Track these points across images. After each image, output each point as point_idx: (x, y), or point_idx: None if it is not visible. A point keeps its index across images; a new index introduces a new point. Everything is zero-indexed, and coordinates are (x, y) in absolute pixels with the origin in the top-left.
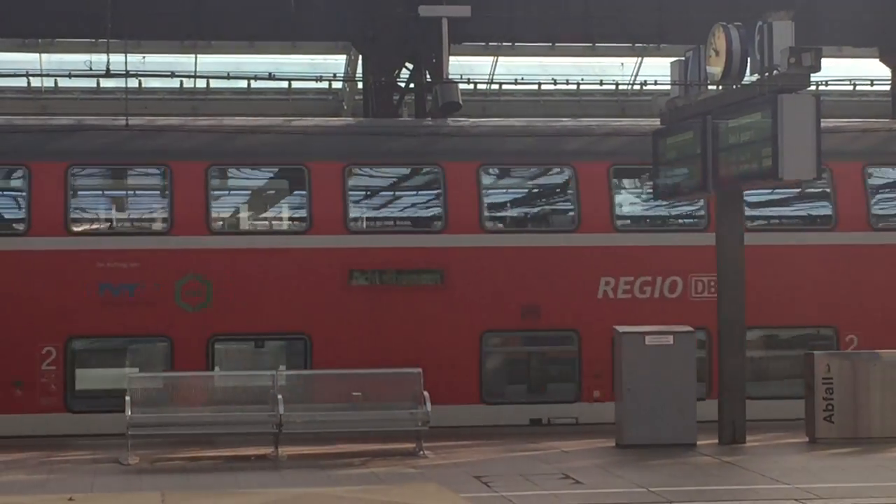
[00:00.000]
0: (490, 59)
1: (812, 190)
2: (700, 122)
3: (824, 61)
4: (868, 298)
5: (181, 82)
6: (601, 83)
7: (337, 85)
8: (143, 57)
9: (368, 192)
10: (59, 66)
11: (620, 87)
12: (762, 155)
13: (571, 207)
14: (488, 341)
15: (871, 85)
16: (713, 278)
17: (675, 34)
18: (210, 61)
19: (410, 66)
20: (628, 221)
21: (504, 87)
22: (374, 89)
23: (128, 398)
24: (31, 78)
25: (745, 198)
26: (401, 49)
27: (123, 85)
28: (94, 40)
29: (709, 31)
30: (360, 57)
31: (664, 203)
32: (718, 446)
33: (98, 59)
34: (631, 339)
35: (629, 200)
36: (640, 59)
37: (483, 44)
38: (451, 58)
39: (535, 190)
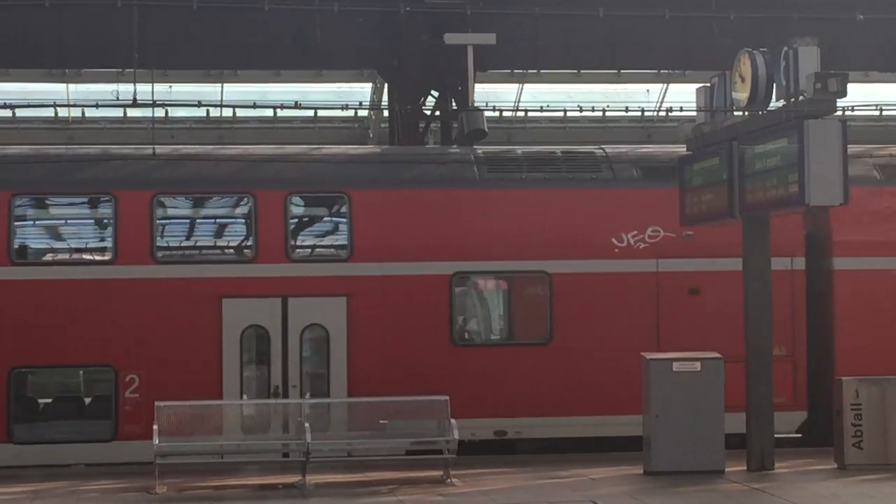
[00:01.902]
0: (515, 86)
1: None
2: (726, 148)
3: (850, 86)
4: (151, 336)
5: (207, 111)
6: (627, 110)
7: (363, 113)
8: (170, 86)
9: None
10: (86, 96)
11: (646, 113)
12: (789, 180)
13: None
14: None
15: None
16: None
17: (700, 60)
18: (236, 90)
19: (436, 93)
20: None
21: (529, 114)
22: (400, 117)
23: (155, 427)
24: (58, 108)
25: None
26: (426, 77)
27: (150, 114)
28: (120, 70)
29: (734, 57)
30: (386, 85)
31: None
32: (747, 473)
33: (125, 89)
34: (658, 366)
35: None
36: (665, 85)
37: (508, 71)
38: (477, 85)
39: None
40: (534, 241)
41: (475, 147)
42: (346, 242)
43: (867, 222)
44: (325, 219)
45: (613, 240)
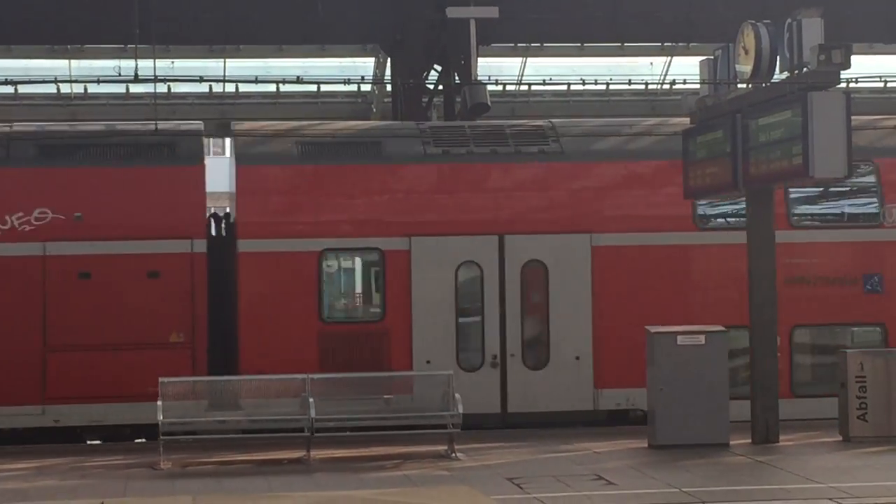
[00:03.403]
0: (518, 60)
1: None
2: (730, 121)
3: (854, 58)
4: None
5: (210, 87)
6: (630, 83)
7: (366, 88)
8: (172, 62)
9: None
10: (88, 72)
11: (650, 86)
12: (792, 153)
13: None
14: None
15: None
16: None
17: (704, 33)
18: (239, 66)
19: (439, 67)
20: None
21: (533, 88)
22: (403, 92)
23: (159, 403)
24: (60, 84)
25: None
26: (429, 51)
27: (152, 90)
28: (122, 46)
29: (738, 29)
30: (389, 59)
31: None
32: (752, 446)
33: (127, 65)
34: (663, 340)
35: None
36: (669, 58)
37: (511, 45)
38: (480, 59)
39: None
40: None
41: None
42: None
43: (277, 202)
44: None
45: None
